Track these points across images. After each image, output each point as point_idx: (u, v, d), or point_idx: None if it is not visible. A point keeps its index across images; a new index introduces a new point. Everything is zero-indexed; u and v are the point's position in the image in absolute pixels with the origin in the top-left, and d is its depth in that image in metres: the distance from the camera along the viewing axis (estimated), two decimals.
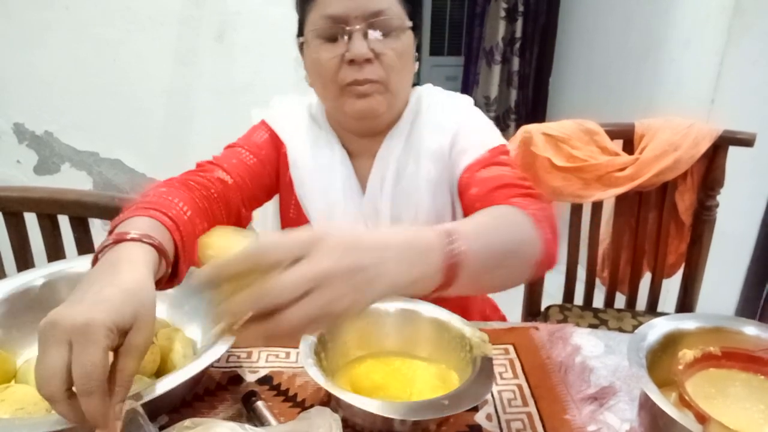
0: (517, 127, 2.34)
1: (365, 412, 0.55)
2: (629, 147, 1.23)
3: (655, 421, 0.59)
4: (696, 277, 1.28)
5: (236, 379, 0.69)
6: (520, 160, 1.24)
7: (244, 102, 1.80)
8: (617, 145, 1.23)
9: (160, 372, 0.65)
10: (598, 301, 1.34)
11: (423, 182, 0.84)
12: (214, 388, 0.67)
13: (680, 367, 0.62)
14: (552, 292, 1.38)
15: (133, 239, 0.55)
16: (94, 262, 0.57)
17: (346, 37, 0.75)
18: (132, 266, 0.52)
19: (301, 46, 0.82)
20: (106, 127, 1.84)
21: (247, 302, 0.41)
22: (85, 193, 1.03)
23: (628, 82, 2.17)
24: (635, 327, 1.09)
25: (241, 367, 0.71)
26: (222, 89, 1.81)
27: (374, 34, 0.75)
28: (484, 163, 0.79)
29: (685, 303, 1.30)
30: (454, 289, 0.50)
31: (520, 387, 0.70)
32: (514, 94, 3.37)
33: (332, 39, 0.76)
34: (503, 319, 1.05)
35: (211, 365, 0.58)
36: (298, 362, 0.72)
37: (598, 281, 1.35)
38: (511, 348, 0.78)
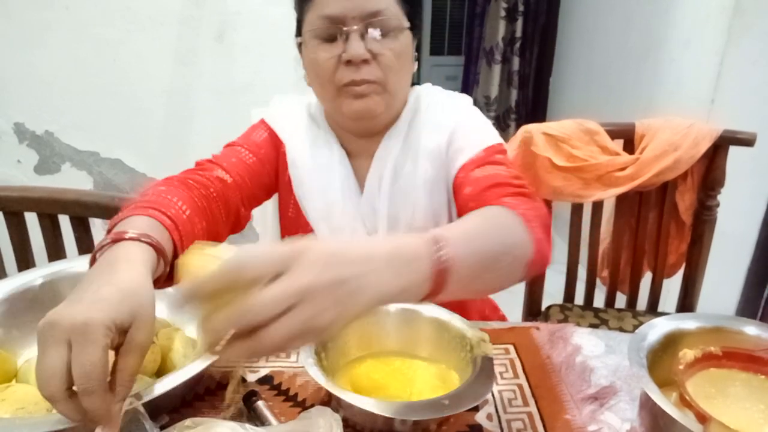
0: (518, 126, 2.35)
1: (366, 412, 0.55)
2: (629, 147, 1.23)
3: (656, 421, 0.59)
4: (696, 277, 1.27)
5: None
6: (521, 160, 1.24)
7: (244, 102, 1.80)
8: (617, 144, 1.23)
9: (160, 372, 0.65)
10: (599, 301, 1.34)
11: (420, 182, 0.84)
12: (214, 388, 0.67)
13: (681, 367, 0.62)
14: (552, 292, 1.38)
15: (131, 238, 0.55)
16: (92, 261, 0.57)
17: (343, 38, 0.75)
18: (130, 265, 0.52)
19: (299, 46, 0.82)
20: (106, 127, 1.84)
21: (228, 321, 0.40)
22: (85, 193, 1.03)
23: (628, 82, 2.17)
24: (636, 327, 1.09)
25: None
26: (222, 89, 1.81)
27: (372, 35, 0.75)
28: (479, 162, 0.78)
29: (686, 303, 1.30)
30: (444, 295, 0.49)
31: (520, 387, 0.70)
32: (514, 93, 3.37)
33: (330, 39, 0.76)
34: (503, 318, 1.05)
35: (211, 365, 0.58)
36: (298, 362, 0.72)
37: (598, 281, 1.35)
38: (511, 348, 0.78)
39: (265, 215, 1.01)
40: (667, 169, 1.17)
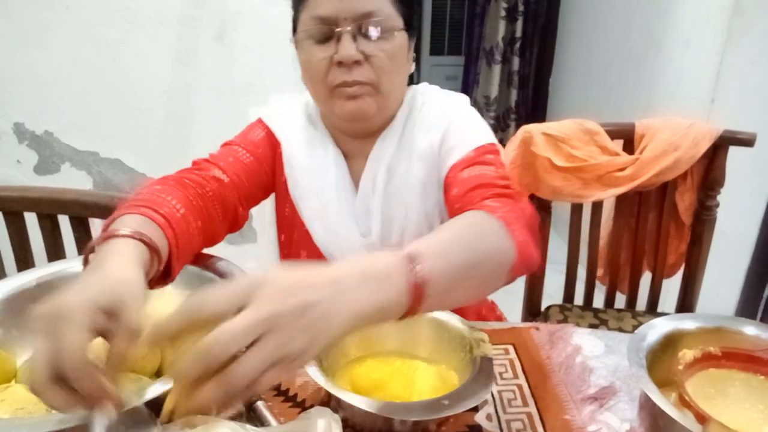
0: (517, 127, 2.35)
1: (365, 412, 0.55)
2: (629, 147, 1.23)
3: (655, 421, 0.59)
4: (696, 277, 1.27)
5: None
6: (520, 160, 1.24)
7: (244, 102, 1.80)
8: (617, 145, 1.23)
9: (160, 372, 0.65)
10: (599, 301, 1.34)
11: (413, 182, 0.84)
12: None
13: (680, 367, 0.62)
14: (552, 293, 1.38)
15: (123, 236, 0.55)
16: (85, 260, 0.57)
17: (335, 39, 0.74)
18: (118, 257, 0.52)
19: (295, 45, 0.81)
20: (106, 127, 1.84)
21: (194, 361, 0.38)
22: (85, 193, 1.03)
23: (628, 82, 2.17)
24: (635, 327, 1.09)
25: None
26: (222, 89, 1.81)
27: (365, 36, 0.74)
28: (469, 162, 0.77)
29: (685, 303, 1.30)
30: (424, 309, 0.49)
31: (520, 387, 0.70)
32: (514, 94, 3.37)
33: (322, 40, 0.76)
34: (500, 318, 1.05)
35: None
36: None
37: (598, 281, 1.35)
38: (511, 348, 0.78)
39: (263, 214, 1.01)
40: (667, 169, 1.17)
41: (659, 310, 1.34)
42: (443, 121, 0.83)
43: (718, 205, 1.22)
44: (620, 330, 1.24)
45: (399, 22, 0.77)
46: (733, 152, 1.18)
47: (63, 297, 0.45)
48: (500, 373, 0.72)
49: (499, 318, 1.05)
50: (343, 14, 0.73)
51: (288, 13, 0.82)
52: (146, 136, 1.86)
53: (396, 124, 0.85)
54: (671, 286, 1.36)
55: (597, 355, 0.77)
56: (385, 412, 0.54)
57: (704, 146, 1.16)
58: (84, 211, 1.01)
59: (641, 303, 1.32)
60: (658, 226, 1.27)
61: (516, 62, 3.31)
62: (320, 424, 0.50)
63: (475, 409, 0.65)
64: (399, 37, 0.77)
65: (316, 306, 0.41)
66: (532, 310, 1.35)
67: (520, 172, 1.24)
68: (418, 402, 0.57)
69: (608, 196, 1.22)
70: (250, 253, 1.91)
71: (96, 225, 1.07)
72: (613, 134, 1.23)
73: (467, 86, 3.54)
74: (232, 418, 0.60)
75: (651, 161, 1.17)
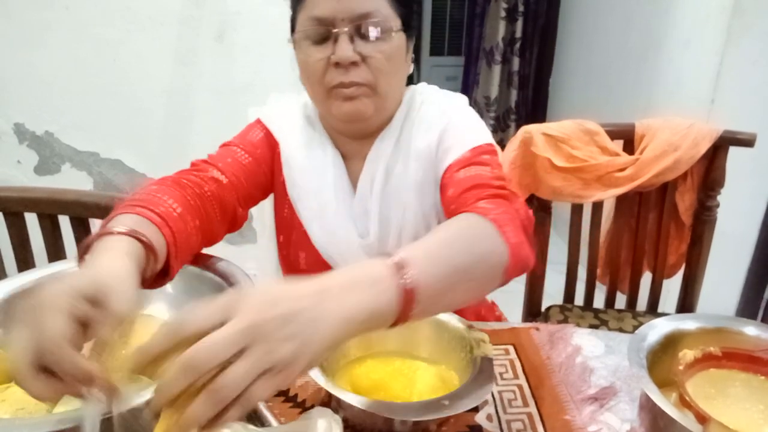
0: (517, 127, 2.35)
1: (365, 412, 0.55)
2: (629, 147, 1.23)
3: (656, 422, 0.59)
4: (696, 278, 1.27)
5: None
6: (520, 161, 1.24)
7: (244, 102, 1.80)
8: (617, 145, 1.23)
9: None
10: (599, 302, 1.34)
11: (411, 183, 0.83)
12: None
13: (680, 368, 0.62)
14: (552, 293, 1.38)
15: (118, 233, 0.55)
16: (80, 259, 0.57)
17: (332, 39, 0.74)
18: (110, 253, 0.52)
19: (293, 46, 0.81)
20: (106, 127, 1.84)
21: (177, 374, 0.37)
22: (85, 193, 1.03)
23: (628, 82, 2.17)
24: (636, 327, 1.09)
25: None
26: (222, 89, 1.81)
27: (362, 37, 0.74)
28: (465, 162, 0.77)
29: (686, 303, 1.30)
30: (417, 315, 0.49)
31: (520, 387, 0.70)
32: (514, 94, 3.37)
33: (320, 41, 0.75)
34: (499, 318, 1.05)
35: None
36: None
37: (598, 281, 1.35)
38: (511, 348, 0.78)
39: (263, 214, 1.01)
40: (667, 170, 1.17)
41: (659, 310, 1.34)
42: (441, 122, 0.83)
43: (718, 206, 1.22)
44: (620, 330, 1.24)
45: (397, 22, 0.77)
46: (733, 152, 1.18)
47: (45, 287, 0.45)
48: (500, 374, 0.72)
49: (498, 318, 1.05)
50: (340, 15, 0.73)
51: (288, 12, 0.81)
52: (146, 136, 1.86)
53: (394, 124, 0.84)
54: (671, 287, 1.36)
55: (597, 355, 0.77)
56: (385, 412, 0.54)
57: (704, 146, 1.16)
58: (84, 212, 1.01)
59: (641, 303, 1.32)
60: (658, 227, 1.27)
61: (516, 62, 3.31)
62: (321, 424, 0.50)
63: (476, 410, 0.65)
64: (397, 38, 0.77)
65: (299, 314, 0.41)
66: (533, 311, 1.35)
67: (520, 172, 1.24)
68: (418, 402, 0.57)
69: (608, 197, 1.22)
70: (250, 254, 1.91)
71: (96, 225, 1.07)
72: (613, 134, 1.23)
73: (467, 86, 3.54)
74: None
75: (651, 161, 1.17)
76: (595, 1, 2.56)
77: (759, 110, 1.66)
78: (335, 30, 0.73)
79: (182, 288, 0.75)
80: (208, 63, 1.79)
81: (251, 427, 0.50)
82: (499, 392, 0.69)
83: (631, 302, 1.33)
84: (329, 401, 0.64)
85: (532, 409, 0.66)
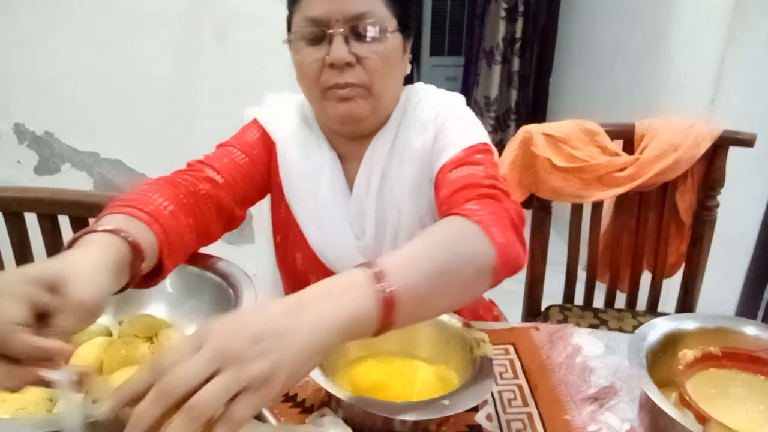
0: (517, 127, 2.35)
1: (365, 412, 0.55)
2: (629, 147, 1.23)
3: (656, 422, 0.59)
4: (696, 277, 1.28)
5: None
6: (520, 161, 1.24)
7: (245, 102, 1.79)
8: (617, 145, 1.23)
9: None
10: (599, 301, 1.34)
11: (407, 183, 0.83)
12: None
13: (680, 368, 0.62)
14: (552, 293, 1.38)
15: (99, 231, 0.55)
16: None
17: (327, 40, 0.74)
18: (83, 247, 0.52)
19: (289, 46, 0.81)
20: (106, 127, 1.84)
21: (152, 401, 0.37)
22: (85, 194, 1.03)
23: (628, 82, 2.17)
24: (635, 327, 1.09)
25: None
26: (222, 89, 1.81)
27: (357, 37, 0.74)
28: (458, 162, 0.76)
29: (686, 303, 1.30)
30: (401, 322, 0.49)
31: (520, 387, 0.70)
32: (514, 94, 3.37)
33: (315, 41, 0.75)
34: (497, 318, 1.05)
35: None
36: None
37: (597, 280, 1.35)
38: (511, 348, 0.78)
39: (261, 214, 1.01)
40: (667, 170, 1.17)
41: (659, 310, 1.34)
42: (436, 122, 0.82)
43: (718, 206, 1.22)
44: (620, 330, 1.24)
45: (392, 23, 0.76)
46: (733, 152, 1.18)
47: (2, 274, 0.45)
48: (500, 373, 0.72)
49: (497, 317, 1.05)
50: (334, 16, 0.72)
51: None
52: (146, 136, 1.86)
53: (390, 125, 0.84)
54: (671, 286, 1.36)
55: (597, 355, 0.77)
56: (385, 412, 0.54)
57: (704, 146, 1.16)
58: (84, 212, 1.01)
59: (641, 303, 1.32)
60: (658, 226, 1.27)
61: (516, 62, 3.30)
62: None
63: (476, 409, 0.65)
64: (392, 39, 0.76)
65: (270, 331, 0.41)
66: (533, 310, 1.35)
67: (521, 172, 1.25)
68: (418, 402, 0.57)
69: (608, 197, 1.22)
70: (250, 254, 1.91)
71: None
72: (613, 134, 1.23)
73: (467, 87, 3.54)
74: None
75: (651, 161, 1.17)
76: (595, 1, 2.56)
77: (759, 110, 1.66)
78: (330, 31, 0.73)
79: (182, 288, 0.75)
80: (209, 63, 1.79)
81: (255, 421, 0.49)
82: (499, 392, 0.69)
83: (631, 302, 1.33)
84: (329, 401, 0.64)
85: (532, 408, 0.66)
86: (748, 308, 1.90)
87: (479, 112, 3.38)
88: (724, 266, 1.55)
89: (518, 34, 3.25)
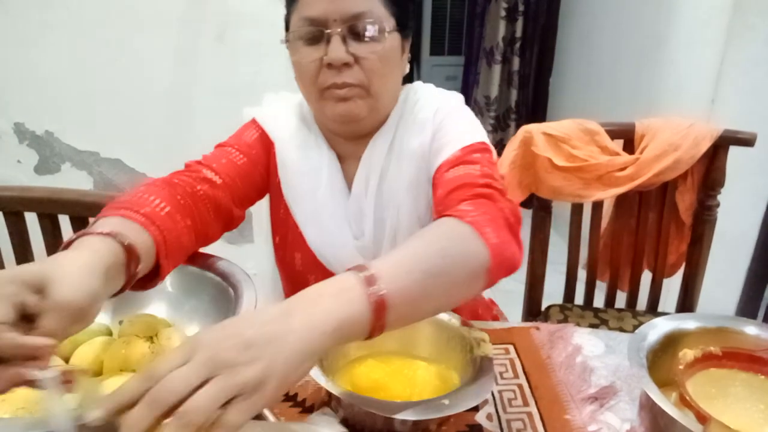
0: (518, 127, 2.35)
1: (365, 412, 0.55)
2: (629, 147, 1.23)
3: (656, 421, 0.59)
4: (696, 277, 1.28)
5: None
6: (520, 160, 1.24)
7: (245, 102, 1.79)
8: (617, 144, 1.23)
9: None
10: (599, 301, 1.35)
11: (406, 183, 0.83)
12: None
13: (681, 367, 0.62)
14: (552, 292, 1.38)
15: (92, 234, 0.55)
16: None
17: (325, 40, 0.73)
18: (74, 250, 0.52)
19: (287, 46, 0.81)
20: (106, 127, 1.84)
21: (143, 409, 0.37)
22: (85, 193, 1.03)
23: (629, 82, 2.17)
24: (636, 327, 1.09)
25: None
26: (222, 89, 1.81)
27: (355, 37, 0.73)
28: (454, 162, 0.75)
29: (686, 303, 1.30)
30: (394, 324, 0.49)
31: (520, 387, 0.70)
32: (514, 94, 3.37)
33: (313, 41, 0.75)
34: (496, 317, 1.04)
35: None
36: None
37: (598, 281, 1.35)
38: (511, 348, 0.78)
39: (260, 214, 1.01)
40: (667, 169, 1.17)
41: (659, 309, 1.34)
42: (434, 121, 0.82)
43: (718, 205, 1.22)
44: (621, 330, 1.24)
45: (390, 22, 0.76)
46: (733, 152, 1.18)
47: None
48: (500, 373, 0.72)
49: (496, 317, 1.05)
50: (332, 15, 0.72)
51: None
52: (146, 136, 1.86)
53: (389, 125, 0.84)
54: (671, 286, 1.36)
55: (597, 354, 0.77)
56: (385, 412, 0.54)
57: (704, 146, 1.16)
58: (84, 212, 1.01)
59: (642, 303, 1.32)
60: (658, 226, 1.28)
61: (516, 62, 3.30)
62: None
63: (476, 409, 0.65)
64: (390, 39, 0.76)
65: (259, 337, 0.41)
66: (533, 310, 1.35)
67: (521, 172, 1.24)
68: (419, 402, 0.57)
69: (608, 196, 1.22)
70: (250, 253, 1.91)
71: None
72: (614, 134, 1.23)
73: (467, 86, 3.54)
74: None
75: (651, 161, 1.17)
76: (595, 1, 2.56)
77: (759, 110, 1.66)
78: (328, 31, 0.73)
79: (182, 288, 0.75)
80: (209, 63, 1.79)
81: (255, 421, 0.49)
82: (499, 392, 0.69)
83: (631, 302, 1.33)
84: (329, 401, 0.64)
85: (532, 408, 0.66)
86: (748, 308, 1.91)
87: (479, 112, 3.38)
88: (724, 266, 1.55)
89: (518, 34, 3.25)
